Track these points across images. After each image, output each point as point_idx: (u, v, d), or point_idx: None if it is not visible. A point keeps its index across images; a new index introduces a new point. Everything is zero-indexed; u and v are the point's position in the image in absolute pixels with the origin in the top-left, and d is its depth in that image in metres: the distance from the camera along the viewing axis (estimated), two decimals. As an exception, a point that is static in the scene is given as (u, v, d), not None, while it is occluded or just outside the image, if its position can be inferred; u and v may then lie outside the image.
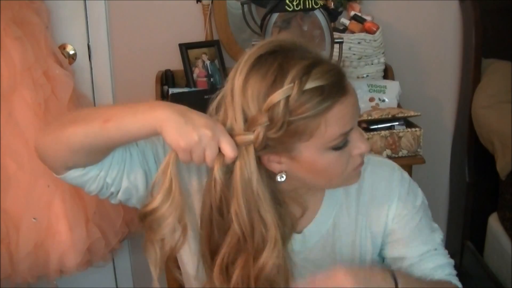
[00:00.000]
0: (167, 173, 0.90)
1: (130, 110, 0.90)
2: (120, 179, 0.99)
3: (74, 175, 0.97)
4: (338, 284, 0.87)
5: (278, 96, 0.86)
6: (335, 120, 0.89)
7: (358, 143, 0.94)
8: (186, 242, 1.01)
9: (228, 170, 0.90)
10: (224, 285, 0.95)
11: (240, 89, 0.89)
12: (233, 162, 0.89)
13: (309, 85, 0.87)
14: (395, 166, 1.10)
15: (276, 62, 0.89)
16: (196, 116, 0.88)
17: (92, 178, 0.98)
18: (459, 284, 1.06)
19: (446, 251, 1.08)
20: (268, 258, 0.92)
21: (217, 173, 0.89)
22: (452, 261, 1.08)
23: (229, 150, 0.87)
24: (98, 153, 0.95)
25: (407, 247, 1.06)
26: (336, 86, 0.89)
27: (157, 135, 0.89)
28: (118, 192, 1.01)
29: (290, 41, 0.93)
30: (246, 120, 0.89)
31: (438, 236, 1.08)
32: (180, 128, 0.86)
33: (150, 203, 0.93)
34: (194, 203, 1.05)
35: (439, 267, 1.04)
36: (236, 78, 0.90)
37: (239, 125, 0.89)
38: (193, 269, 1.06)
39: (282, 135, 0.88)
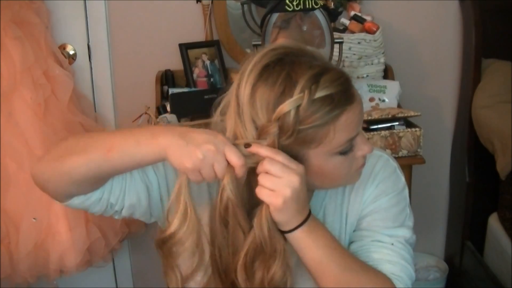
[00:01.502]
0: (181, 198, 0.90)
1: (133, 138, 0.90)
2: (123, 197, 1.00)
3: (77, 201, 0.97)
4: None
5: (288, 106, 0.87)
6: (343, 128, 0.90)
7: (362, 145, 0.96)
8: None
9: (241, 181, 0.90)
10: (247, 283, 0.94)
11: (247, 99, 0.89)
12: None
13: (319, 94, 0.87)
14: (384, 154, 1.09)
15: (284, 71, 0.89)
16: (196, 135, 0.87)
17: (95, 201, 0.98)
18: None
19: (408, 256, 1.00)
20: (279, 269, 0.92)
21: (227, 184, 0.88)
22: (408, 267, 0.99)
23: (235, 160, 0.86)
24: (100, 181, 0.96)
25: (365, 229, 1.02)
26: (344, 94, 0.90)
27: (163, 161, 0.89)
28: (122, 209, 1.01)
29: (295, 47, 0.93)
30: (256, 128, 0.90)
31: (404, 234, 1.01)
32: (183, 150, 0.86)
33: (167, 229, 0.92)
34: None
35: (387, 262, 0.98)
36: (242, 87, 0.90)
37: (250, 134, 0.89)
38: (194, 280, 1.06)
39: (291, 143, 0.89)
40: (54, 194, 0.97)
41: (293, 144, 0.89)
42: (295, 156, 0.91)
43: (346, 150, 0.93)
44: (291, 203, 0.88)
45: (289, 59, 0.90)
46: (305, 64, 0.90)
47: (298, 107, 0.87)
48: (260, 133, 0.89)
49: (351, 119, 0.91)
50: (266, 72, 0.89)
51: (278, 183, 0.87)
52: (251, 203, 0.92)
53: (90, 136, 0.98)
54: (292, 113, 0.86)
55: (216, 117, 0.96)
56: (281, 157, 0.88)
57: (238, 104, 0.90)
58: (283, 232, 0.92)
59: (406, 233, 1.02)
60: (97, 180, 0.94)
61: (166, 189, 1.03)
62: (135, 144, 0.89)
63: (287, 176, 0.87)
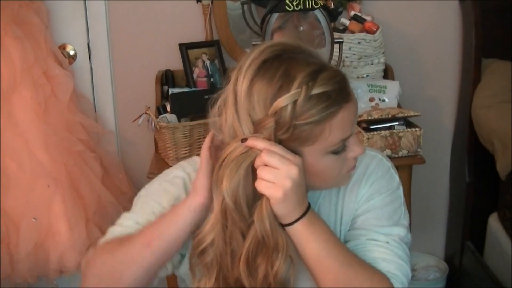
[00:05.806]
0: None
1: (161, 221, 0.98)
2: None
3: None
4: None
5: (285, 100, 0.87)
6: (338, 126, 0.91)
7: (354, 147, 0.96)
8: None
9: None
10: (250, 279, 0.94)
11: (245, 94, 0.90)
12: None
13: (316, 90, 0.88)
14: (378, 154, 1.09)
15: (282, 67, 0.90)
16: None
17: None
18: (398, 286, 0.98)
19: (403, 254, 1.00)
20: (282, 263, 0.93)
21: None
22: (403, 265, 0.99)
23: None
24: (163, 264, 1.01)
25: (360, 228, 1.02)
26: (341, 93, 0.91)
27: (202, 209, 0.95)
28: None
29: (293, 44, 0.94)
30: (252, 123, 0.90)
31: (399, 232, 1.01)
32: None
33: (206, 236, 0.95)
34: None
35: (383, 260, 0.98)
36: (240, 82, 0.91)
37: (247, 128, 0.90)
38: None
39: (287, 139, 0.90)
40: None
41: (289, 140, 0.90)
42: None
43: (339, 150, 0.94)
44: (291, 194, 0.89)
45: (287, 55, 0.91)
46: (303, 61, 0.91)
47: (294, 102, 0.87)
48: (257, 128, 0.89)
49: (347, 118, 0.92)
50: (264, 67, 0.90)
51: (277, 175, 0.88)
52: (252, 198, 0.92)
53: (120, 245, 1.01)
54: (289, 108, 0.87)
55: (212, 117, 0.96)
56: (278, 149, 0.89)
57: (236, 99, 0.91)
58: (283, 226, 0.92)
59: (401, 231, 1.02)
60: (160, 267, 0.99)
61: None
62: (167, 221, 0.96)
63: (286, 167, 0.88)
